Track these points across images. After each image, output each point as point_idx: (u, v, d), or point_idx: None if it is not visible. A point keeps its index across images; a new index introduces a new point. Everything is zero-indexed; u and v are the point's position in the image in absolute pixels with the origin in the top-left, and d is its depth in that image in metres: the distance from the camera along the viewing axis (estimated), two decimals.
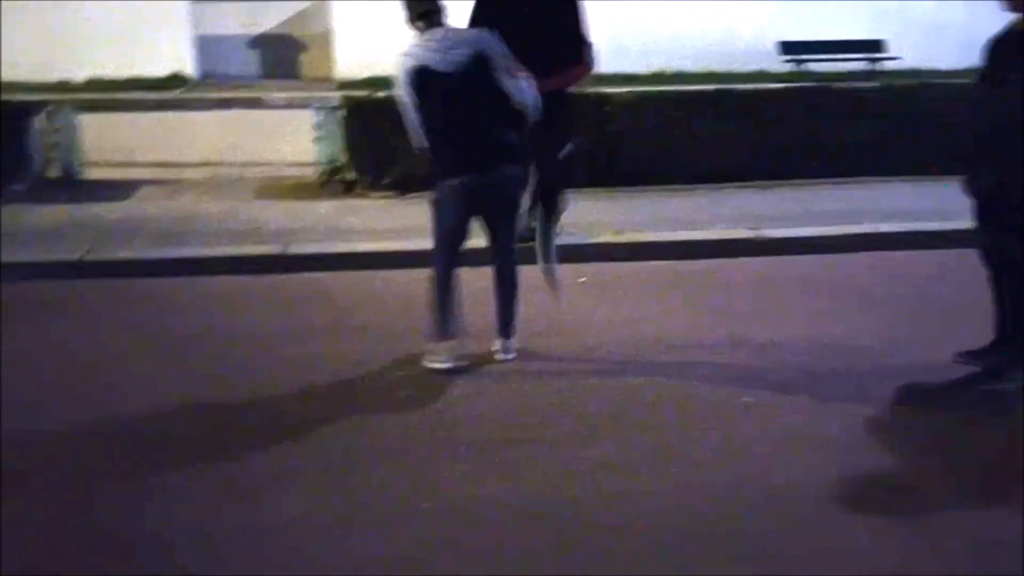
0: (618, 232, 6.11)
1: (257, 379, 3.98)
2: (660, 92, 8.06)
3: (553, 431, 3.46)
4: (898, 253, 5.77)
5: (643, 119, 7.56)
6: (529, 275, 5.47)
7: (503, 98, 3.62)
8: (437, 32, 3.63)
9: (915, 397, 3.77)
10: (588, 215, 6.54)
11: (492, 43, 3.66)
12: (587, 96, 7.98)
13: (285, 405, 3.72)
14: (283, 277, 5.53)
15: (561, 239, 5.87)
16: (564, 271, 5.57)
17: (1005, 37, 3.61)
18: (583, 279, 5.45)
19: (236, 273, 5.54)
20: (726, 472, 3.15)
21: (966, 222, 3.86)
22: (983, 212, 3.74)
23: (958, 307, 4.76)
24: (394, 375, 3.99)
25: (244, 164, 9.19)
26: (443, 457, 3.26)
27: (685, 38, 16.92)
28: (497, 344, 4.05)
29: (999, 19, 3.66)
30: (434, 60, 3.58)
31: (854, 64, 16.44)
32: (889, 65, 16.80)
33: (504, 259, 3.97)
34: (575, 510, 2.91)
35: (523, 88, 3.63)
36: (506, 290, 3.99)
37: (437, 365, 3.88)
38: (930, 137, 7.61)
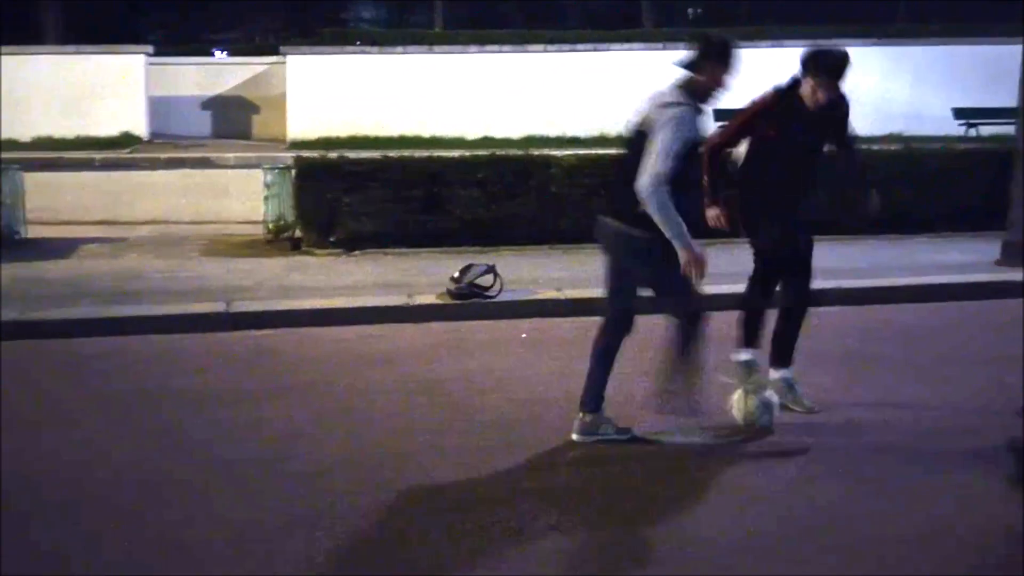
0: (558, 289, 6.28)
1: (196, 440, 3.97)
2: (599, 155, 8.34)
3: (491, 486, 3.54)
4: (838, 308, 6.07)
5: (584, 180, 7.82)
6: (477, 328, 5.64)
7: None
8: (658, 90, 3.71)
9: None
10: (529, 273, 6.72)
11: (665, 120, 3.54)
12: (533, 159, 8.28)
13: (226, 468, 3.69)
14: (227, 335, 5.55)
15: (504, 295, 6.06)
16: (506, 327, 5.73)
17: None
18: (525, 335, 5.58)
19: (179, 332, 5.55)
20: (665, 528, 3.25)
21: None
22: None
23: (896, 361, 5.04)
24: (334, 435, 4.01)
25: (192, 222, 9.23)
26: (389, 517, 3.28)
27: (626, 102, 17.54)
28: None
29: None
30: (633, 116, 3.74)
31: None
32: None
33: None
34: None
35: (653, 155, 3.52)
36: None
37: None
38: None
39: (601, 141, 15.96)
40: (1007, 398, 4.15)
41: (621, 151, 3.89)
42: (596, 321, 5.87)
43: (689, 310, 3.77)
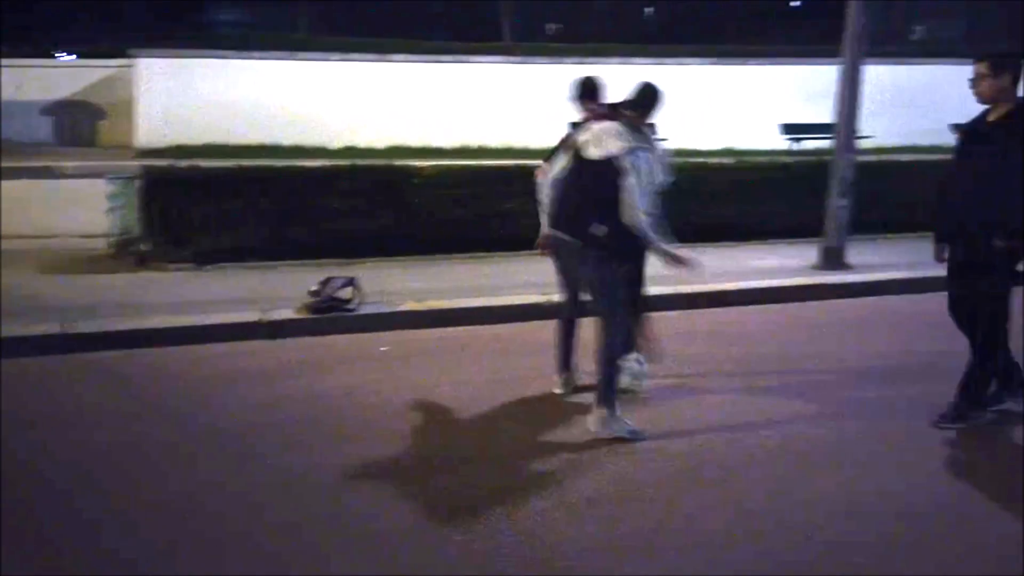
0: (419, 300, 6.27)
1: (29, 469, 3.71)
2: (462, 166, 8.40)
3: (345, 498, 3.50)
4: (675, 313, 6.39)
5: (446, 191, 7.87)
6: (337, 343, 5.56)
7: (610, 193, 4.03)
8: (599, 125, 4.25)
9: None
10: (390, 284, 6.67)
11: (635, 155, 4.09)
12: (395, 169, 8.23)
13: (57, 499, 3.48)
14: (64, 358, 5.20)
15: (364, 308, 6.01)
16: (367, 340, 5.67)
17: (978, 124, 4.19)
18: (385, 348, 5.54)
19: (11, 356, 5.14)
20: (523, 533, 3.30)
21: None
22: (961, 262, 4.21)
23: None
24: (173, 466, 3.84)
25: (27, 236, 8.60)
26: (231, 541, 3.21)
27: (487, 113, 17.74)
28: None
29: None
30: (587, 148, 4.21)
31: None
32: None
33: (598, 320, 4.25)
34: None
35: (635, 194, 4.04)
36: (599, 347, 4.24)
37: (557, 390, 4.63)
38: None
39: (464, 152, 16.09)
40: (839, 393, 4.51)
41: (569, 172, 4.30)
42: (456, 331, 5.97)
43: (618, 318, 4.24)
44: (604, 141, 4.13)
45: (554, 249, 4.39)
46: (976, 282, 4.13)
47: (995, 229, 4.00)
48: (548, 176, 4.47)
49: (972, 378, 4.27)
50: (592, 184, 4.13)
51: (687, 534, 3.26)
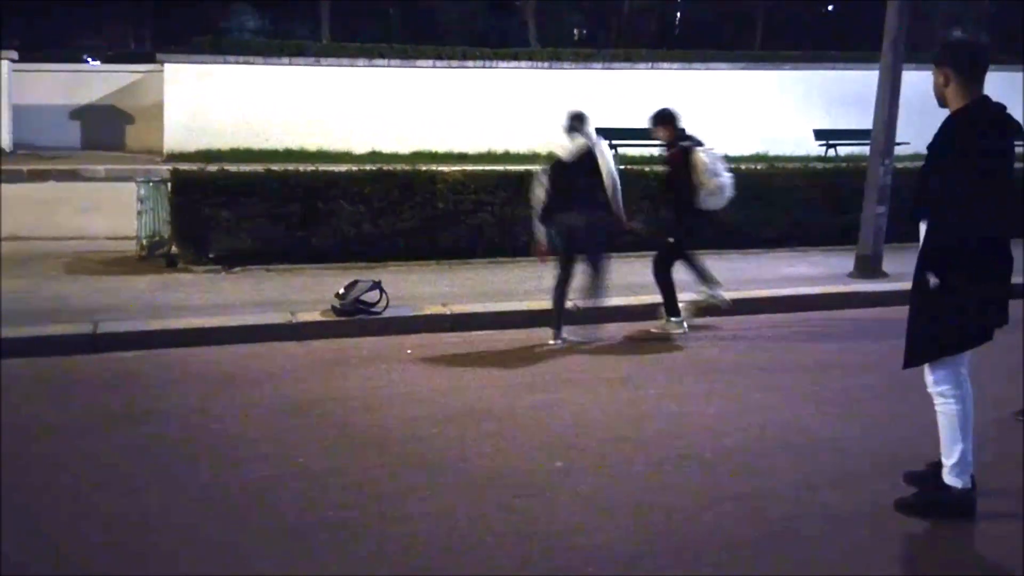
0: (444, 304, 6.27)
1: (54, 474, 3.70)
2: (485, 171, 8.39)
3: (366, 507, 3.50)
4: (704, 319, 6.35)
5: (470, 196, 7.86)
6: (363, 345, 5.57)
7: (598, 175, 5.69)
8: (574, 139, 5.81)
9: None
10: (414, 288, 6.68)
11: (600, 144, 5.82)
12: (419, 174, 8.23)
13: (80, 508, 3.44)
14: (92, 358, 5.25)
15: (389, 311, 6.02)
16: (392, 343, 5.68)
17: None
18: (410, 350, 5.53)
19: (40, 355, 5.21)
20: (532, 534, 3.28)
21: None
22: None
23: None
24: (202, 465, 3.82)
25: (57, 238, 8.72)
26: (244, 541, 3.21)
27: (512, 119, 17.73)
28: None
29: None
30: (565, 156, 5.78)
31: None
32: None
33: (594, 271, 5.83)
34: None
35: (612, 169, 5.77)
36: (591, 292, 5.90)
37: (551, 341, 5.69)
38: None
39: (488, 157, 16.09)
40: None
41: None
42: (478, 335, 5.97)
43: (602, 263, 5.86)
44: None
45: (569, 229, 5.64)
46: None
47: None
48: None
49: None
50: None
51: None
